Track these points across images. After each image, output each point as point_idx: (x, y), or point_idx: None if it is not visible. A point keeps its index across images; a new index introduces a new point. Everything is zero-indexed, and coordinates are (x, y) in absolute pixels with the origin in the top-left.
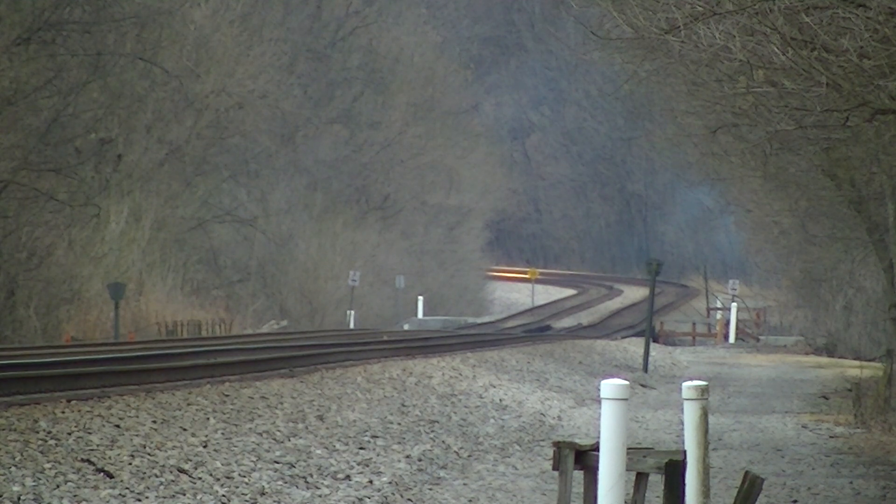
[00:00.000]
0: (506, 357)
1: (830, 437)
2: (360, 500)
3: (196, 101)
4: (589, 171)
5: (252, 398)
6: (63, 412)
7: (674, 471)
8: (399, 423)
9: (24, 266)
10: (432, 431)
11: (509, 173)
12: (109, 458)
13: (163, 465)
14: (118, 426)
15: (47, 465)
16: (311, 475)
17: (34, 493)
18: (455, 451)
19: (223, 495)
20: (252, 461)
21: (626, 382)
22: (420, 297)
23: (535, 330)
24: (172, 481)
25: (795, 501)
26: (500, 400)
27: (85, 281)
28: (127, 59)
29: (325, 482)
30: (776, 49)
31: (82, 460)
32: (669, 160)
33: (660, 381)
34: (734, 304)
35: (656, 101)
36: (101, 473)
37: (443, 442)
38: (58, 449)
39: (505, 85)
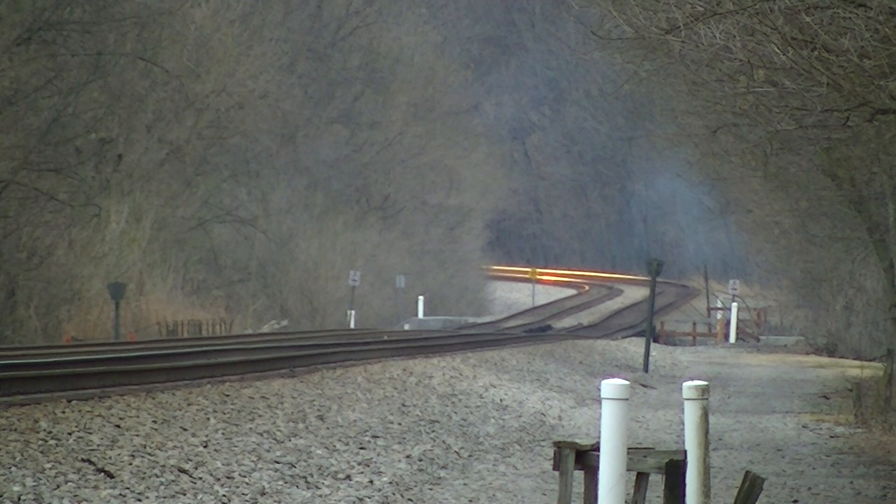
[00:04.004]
0: (506, 357)
1: (831, 436)
2: (361, 500)
3: (196, 101)
4: (589, 171)
5: (252, 398)
6: (63, 412)
7: (674, 471)
8: (399, 423)
9: (25, 266)
10: (433, 431)
11: (509, 173)
12: (110, 458)
13: (163, 465)
14: (118, 426)
15: (48, 465)
16: (312, 475)
17: (34, 493)
18: (455, 451)
19: (223, 495)
20: (252, 461)
21: (627, 382)
22: (420, 297)
23: (535, 330)
24: (173, 481)
25: (796, 501)
26: (501, 400)
27: (85, 281)
28: (127, 59)
29: (326, 482)
30: (776, 49)
31: (83, 460)
32: (670, 160)
33: (660, 381)
34: (734, 304)
35: (657, 101)
36: (102, 473)
37: (443, 442)
38: (58, 449)
39: (505, 85)
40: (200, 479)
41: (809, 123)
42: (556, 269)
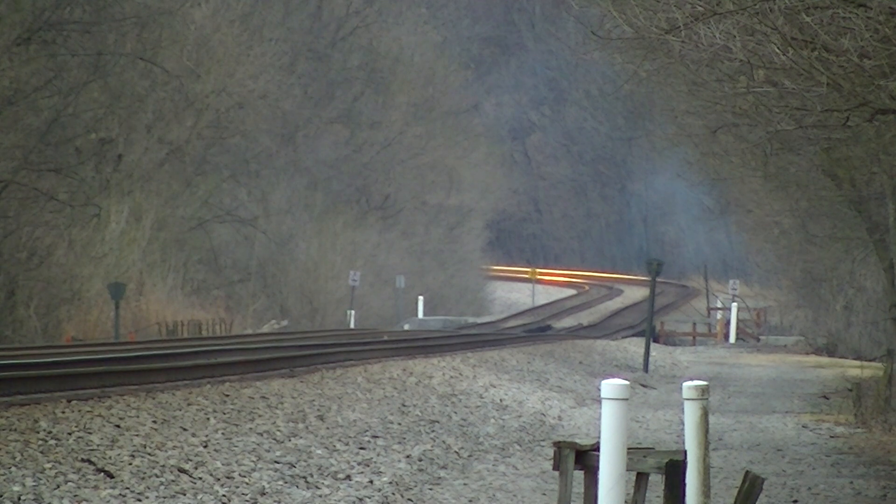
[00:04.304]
0: (506, 357)
1: (831, 436)
2: (361, 500)
3: (196, 101)
4: (589, 171)
5: (252, 398)
6: (63, 412)
7: (674, 471)
8: (399, 423)
9: (25, 266)
10: (433, 431)
11: (509, 173)
12: (110, 458)
13: (163, 465)
14: (118, 426)
15: (48, 465)
16: (312, 475)
17: (34, 493)
18: (455, 451)
19: (223, 495)
20: (252, 461)
21: (627, 382)
22: (420, 297)
23: (535, 330)
24: (173, 481)
25: (796, 501)
26: (501, 400)
27: (85, 281)
28: (127, 59)
29: (326, 482)
30: (776, 49)
31: (83, 460)
32: (669, 160)
33: (660, 381)
34: (734, 304)
35: (656, 101)
36: (102, 473)
37: (443, 442)
38: (58, 449)
39: (505, 85)
40: (200, 479)
41: (809, 123)
42: (555, 269)
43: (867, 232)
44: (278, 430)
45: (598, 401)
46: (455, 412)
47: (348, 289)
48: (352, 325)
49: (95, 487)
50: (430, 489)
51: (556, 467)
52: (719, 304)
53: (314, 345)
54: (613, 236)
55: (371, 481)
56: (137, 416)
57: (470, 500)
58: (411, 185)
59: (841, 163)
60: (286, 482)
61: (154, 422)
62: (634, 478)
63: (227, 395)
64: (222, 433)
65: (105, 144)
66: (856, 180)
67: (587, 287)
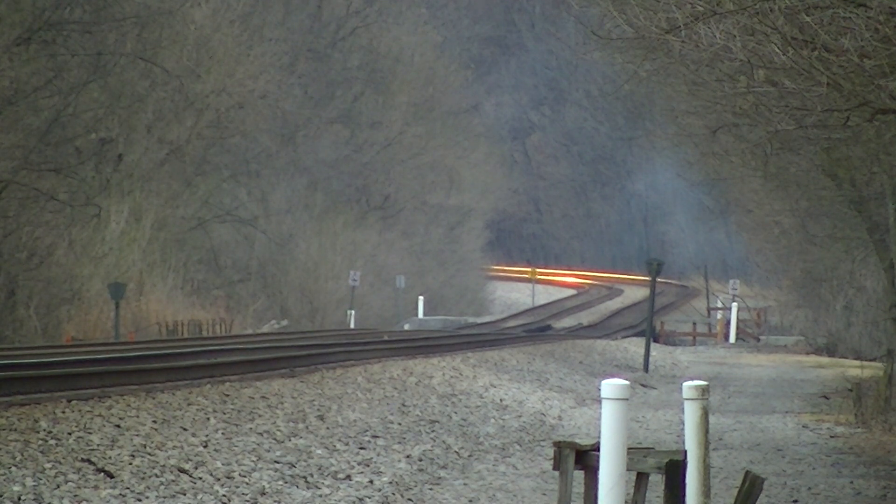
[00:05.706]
0: (506, 357)
1: (831, 436)
2: (361, 500)
3: (196, 101)
4: (589, 170)
5: (252, 398)
6: (63, 412)
7: (674, 471)
8: (399, 423)
9: (25, 266)
10: (433, 431)
11: (509, 173)
12: (110, 457)
13: (163, 465)
14: (118, 426)
15: (48, 465)
16: (312, 475)
17: (34, 493)
18: (455, 451)
19: (224, 495)
20: (252, 461)
21: (627, 382)
22: (420, 297)
23: (535, 330)
24: (173, 481)
25: (796, 501)
26: (501, 400)
27: (85, 281)
28: (127, 59)
29: (326, 482)
30: (777, 49)
31: (83, 460)
32: (670, 160)
33: (660, 380)
34: (735, 304)
35: (657, 100)
36: (102, 473)
37: (443, 442)
38: (58, 449)
39: (505, 85)
40: (200, 479)
41: (809, 123)
42: (556, 269)
43: (867, 232)
44: (278, 430)
45: (598, 401)
46: (455, 412)
47: (348, 289)
48: (352, 325)
49: (95, 487)
50: (430, 489)
51: (556, 467)
52: (719, 304)
53: (314, 345)
54: (613, 236)
55: (371, 481)
56: (137, 416)
57: (470, 500)
58: (411, 185)
59: (841, 163)
60: (286, 482)
61: (154, 422)
62: (634, 478)
63: (227, 395)
64: (222, 433)
65: (105, 144)
66: (856, 180)
67: (587, 287)
